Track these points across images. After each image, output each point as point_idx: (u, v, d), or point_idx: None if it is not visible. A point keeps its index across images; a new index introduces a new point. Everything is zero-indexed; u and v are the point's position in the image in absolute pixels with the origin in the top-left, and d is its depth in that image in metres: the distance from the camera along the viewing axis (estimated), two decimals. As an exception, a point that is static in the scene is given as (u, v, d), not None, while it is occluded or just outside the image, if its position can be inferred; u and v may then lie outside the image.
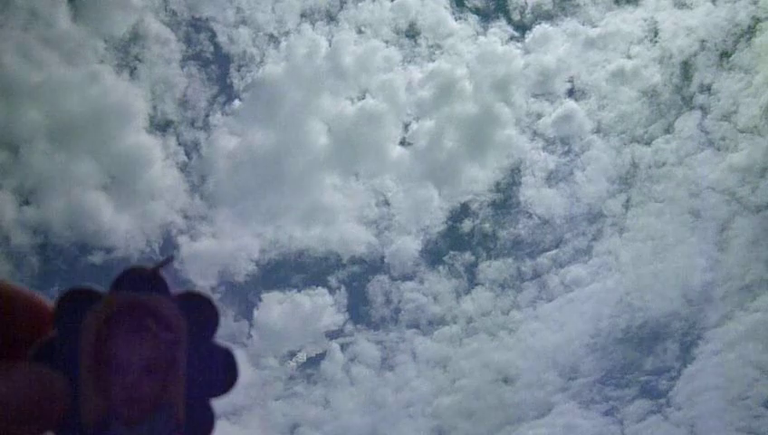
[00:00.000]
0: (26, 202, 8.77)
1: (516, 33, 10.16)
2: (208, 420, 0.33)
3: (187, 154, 9.50)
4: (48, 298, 0.33)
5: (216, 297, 0.34)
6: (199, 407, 0.33)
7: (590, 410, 8.68)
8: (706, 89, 9.45)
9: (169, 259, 0.34)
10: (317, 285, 9.33)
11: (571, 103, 9.93)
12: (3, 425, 0.28)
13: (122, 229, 8.98)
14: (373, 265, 9.48)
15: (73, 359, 0.32)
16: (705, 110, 9.43)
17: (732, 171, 9.17)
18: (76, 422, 0.32)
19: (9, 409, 0.28)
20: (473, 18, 10.11)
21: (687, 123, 9.47)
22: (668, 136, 9.53)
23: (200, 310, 0.33)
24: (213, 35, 9.69)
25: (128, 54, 9.40)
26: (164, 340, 0.33)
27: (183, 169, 9.44)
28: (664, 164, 9.49)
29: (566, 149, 9.82)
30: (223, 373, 0.33)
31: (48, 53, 8.93)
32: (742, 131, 9.25)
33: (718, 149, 9.34)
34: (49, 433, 0.31)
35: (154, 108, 9.42)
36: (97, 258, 8.80)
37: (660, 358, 8.82)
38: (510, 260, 9.44)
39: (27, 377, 0.30)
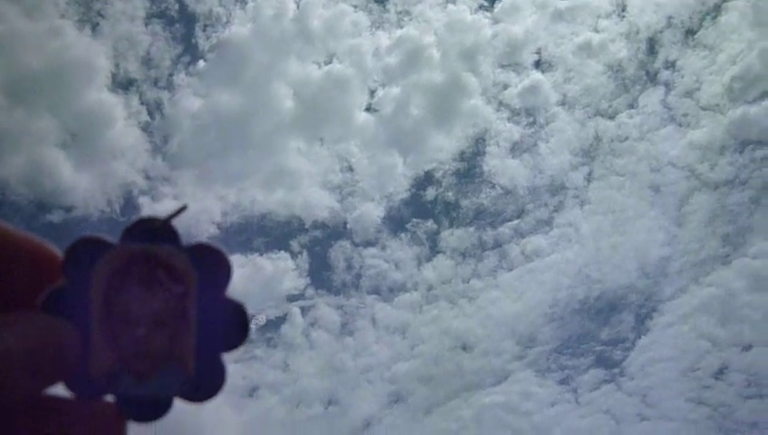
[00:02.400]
0: (-18, 158, 8.58)
1: (485, 3, 10.19)
2: (219, 373, 0.33)
3: (150, 114, 9.40)
4: (57, 247, 0.32)
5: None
6: (210, 361, 0.33)
7: (545, 379, 8.84)
8: (671, 65, 9.58)
9: (182, 209, 0.33)
10: (279, 249, 9.34)
11: (537, 75, 10.01)
12: (12, 376, 0.28)
13: (82, 188, 8.86)
14: (336, 231, 9.50)
15: (83, 310, 0.31)
16: (668, 86, 9.57)
17: (692, 148, 9.32)
18: (86, 374, 0.31)
19: (18, 359, 0.28)
20: (443, -15, 10.06)
21: (651, 99, 9.60)
22: (632, 111, 9.66)
23: (212, 263, 0.33)
24: (179, -7, 9.52)
25: (90, 9, 9.24)
26: (175, 292, 0.32)
27: (145, 128, 9.34)
28: (627, 138, 9.61)
29: (531, 120, 9.91)
30: (234, 327, 0.33)
31: (7, 5, 8.70)
32: (704, 109, 9.40)
33: (680, 126, 9.49)
34: (59, 385, 0.31)
35: (116, 65, 9.28)
36: (56, 217, 8.70)
37: (616, 329, 9.00)
38: (472, 229, 9.53)
39: (36, 327, 0.29)
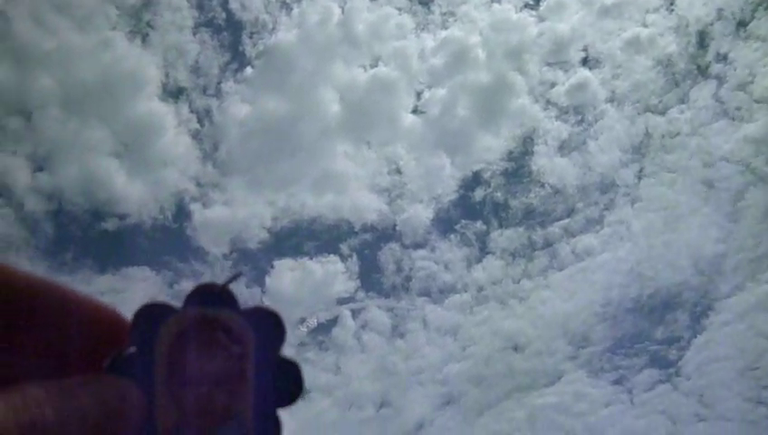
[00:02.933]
0: (40, 169, 8.83)
1: (530, 1, 10.08)
2: (275, 428, 0.34)
3: (200, 121, 9.52)
4: (125, 313, 0.34)
5: (281, 313, 0.35)
6: (266, 417, 0.34)
7: (599, 379, 8.73)
8: (723, 58, 9.36)
9: (238, 275, 0.35)
10: (329, 253, 9.38)
11: (584, 72, 9.87)
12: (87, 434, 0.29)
13: (135, 196, 9.03)
14: (385, 233, 9.52)
15: (148, 371, 0.33)
16: (720, 79, 9.34)
17: (747, 142, 9.10)
18: (152, 432, 0.33)
19: (88, 420, 0.29)
20: (487, -15, 10.00)
21: (702, 93, 9.39)
22: (683, 106, 9.46)
23: (267, 324, 0.35)
24: (225, 2, 9.66)
25: (140, 21, 9.39)
26: (234, 353, 0.34)
27: (195, 136, 9.47)
28: (678, 134, 9.43)
29: (579, 118, 9.78)
30: (289, 385, 0.34)
31: (61, 19, 8.92)
32: (758, 102, 9.17)
33: (733, 120, 9.27)
34: None
35: (166, 75, 9.42)
36: (110, 225, 8.87)
37: (670, 328, 8.84)
38: (521, 229, 9.45)
39: (106, 389, 0.30)
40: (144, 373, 0.33)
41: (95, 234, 8.83)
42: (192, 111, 9.49)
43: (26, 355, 0.33)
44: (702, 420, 8.27)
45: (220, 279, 0.35)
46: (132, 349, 0.33)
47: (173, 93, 9.46)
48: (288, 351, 0.35)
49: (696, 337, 8.70)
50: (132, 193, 9.04)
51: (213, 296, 0.34)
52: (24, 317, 0.32)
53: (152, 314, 0.34)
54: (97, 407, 0.29)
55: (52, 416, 0.27)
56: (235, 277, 0.35)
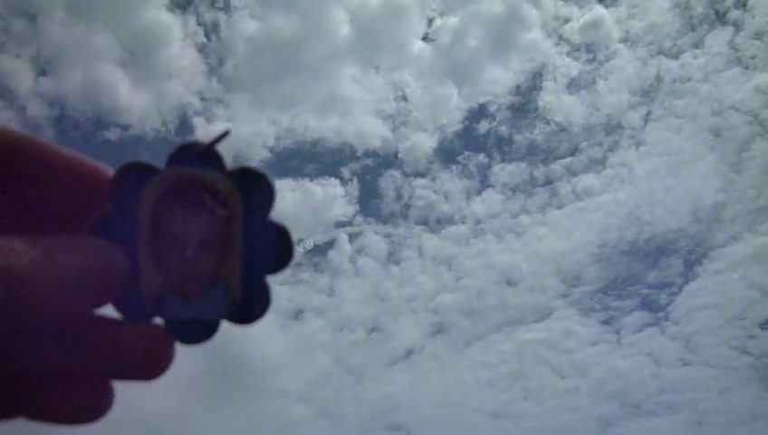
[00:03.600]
0: (43, 73, 8.74)
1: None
2: (264, 296, 0.34)
3: (207, 35, 9.37)
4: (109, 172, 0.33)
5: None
6: (255, 283, 0.33)
7: (588, 318, 8.84)
8: (742, 4, 9.16)
9: (225, 134, 0.33)
10: (330, 176, 9.38)
11: (600, 9, 9.68)
12: (63, 296, 0.28)
13: (138, 107, 8.96)
14: (387, 160, 9.49)
15: (131, 233, 0.32)
16: (738, 26, 9.17)
17: (758, 92, 9.00)
18: (134, 296, 0.32)
19: (70, 280, 0.28)
20: None
21: (718, 39, 9.23)
22: (697, 51, 9.31)
23: (256, 187, 0.33)
24: None
25: (151, -74, 9.14)
26: (220, 216, 0.33)
27: (201, 49, 9.34)
28: (689, 79, 9.31)
29: (591, 56, 9.64)
30: (278, 250, 0.33)
31: None
32: (773, 51, 9.02)
33: (747, 68, 9.14)
34: (108, 306, 0.32)
35: (175, -16, 9.22)
36: (113, 135, 8.83)
37: (663, 273, 8.91)
38: (523, 165, 9.43)
39: (87, 249, 0.30)
40: (127, 235, 0.32)
41: (97, 142, 8.79)
42: (199, 24, 9.34)
43: (6, 212, 0.33)
44: (686, 364, 8.42)
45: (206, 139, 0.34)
46: (114, 210, 0.32)
47: (181, 4, 9.29)
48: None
49: (687, 284, 8.80)
50: (136, 103, 8.97)
51: (198, 156, 0.33)
52: (5, 173, 0.31)
53: (134, 174, 0.32)
54: (77, 266, 0.29)
55: (29, 269, 0.27)
56: (222, 136, 0.33)
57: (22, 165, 0.32)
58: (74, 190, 0.33)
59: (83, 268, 0.29)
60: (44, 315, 0.28)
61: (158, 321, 0.33)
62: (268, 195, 0.34)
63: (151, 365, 0.32)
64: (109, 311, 0.32)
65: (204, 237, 0.33)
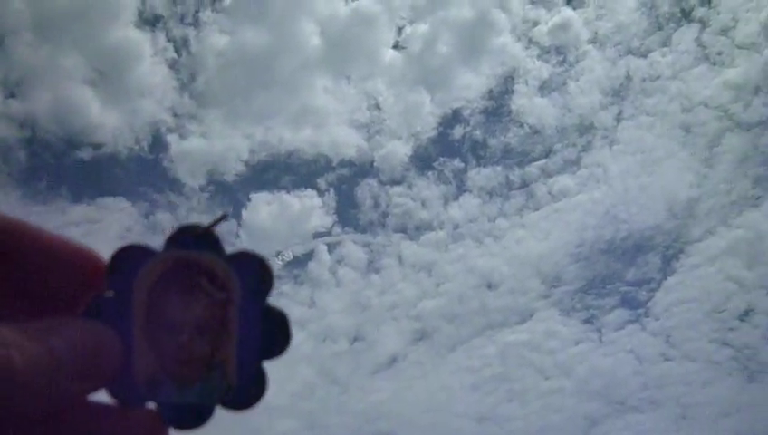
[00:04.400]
0: (12, 95, 8.63)
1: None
2: (260, 381, 0.33)
3: (177, 51, 9.31)
4: (102, 255, 0.32)
5: (269, 259, 0.33)
6: (251, 369, 0.33)
7: (570, 318, 8.89)
8: (707, 2, 9.29)
9: (223, 217, 0.33)
10: (306, 187, 9.34)
11: (568, 11, 9.75)
12: (57, 380, 0.27)
13: (110, 126, 8.87)
14: (362, 169, 9.48)
15: (126, 317, 0.32)
16: (704, 23, 9.29)
17: (726, 88, 9.12)
18: (129, 380, 0.31)
19: (64, 364, 0.28)
20: None
21: (685, 37, 9.34)
22: (665, 49, 9.42)
23: (254, 270, 0.33)
24: (204, -73, 9.37)
25: (115, -56, 9.09)
26: (217, 300, 0.32)
27: (172, 66, 9.28)
28: (658, 77, 9.41)
29: (561, 58, 9.70)
30: (274, 335, 0.33)
31: (33, -60, 8.62)
32: (739, 47, 9.15)
33: (714, 64, 9.26)
34: (102, 391, 0.31)
35: (142, 2, 9.18)
36: (85, 154, 8.73)
37: (642, 270, 8.98)
38: (499, 168, 9.45)
39: (82, 333, 0.29)
40: (122, 319, 0.31)
41: (70, 163, 8.70)
42: (169, 40, 9.28)
43: None
44: (668, 359, 8.48)
45: (202, 218, 0.34)
46: (110, 293, 0.32)
47: (149, 21, 9.22)
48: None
49: (666, 279, 8.87)
50: (107, 122, 8.89)
51: (195, 239, 0.33)
52: None
53: (130, 256, 0.32)
54: (71, 351, 0.28)
55: (20, 359, 0.26)
56: (220, 219, 0.33)
57: (8, 249, 0.31)
58: (65, 275, 0.32)
59: (76, 351, 0.28)
60: (36, 402, 0.27)
61: (152, 406, 0.32)
62: (266, 278, 0.33)
63: None
64: (102, 396, 0.31)
65: (200, 321, 0.32)
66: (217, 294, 0.32)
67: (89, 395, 0.31)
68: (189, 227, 0.33)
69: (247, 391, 0.33)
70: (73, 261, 0.32)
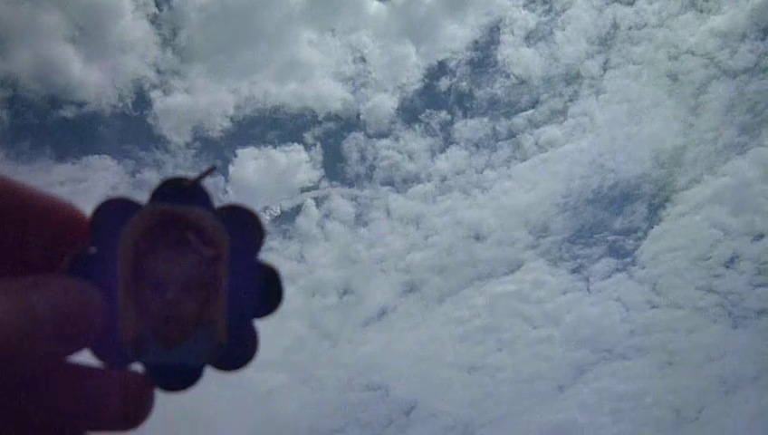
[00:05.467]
0: (-8, 54, 8.50)
1: None
2: (251, 341, 0.32)
3: (158, 5, 9.16)
4: (84, 209, 0.31)
5: (259, 212, 0.32)
6: (241, 328, 0.32)
7: (558, 268, 8.95)
8: (693, -53, 9.20)
9: (212, 169, 0.32)
10: (292, 142, 9.29)
11: (554, -41, 9.63)
12: (37, 339, 0.26)
13: (93, 83, 8.76)
14: (349, 122, 9.42)
15: (110, 274, 0.30)
16: (690, -31, 9.21)
17: (712, 35, 9.08)
18: (113, 341, 0.30)
19: (43, 323, 0.27)
20: None
21: (671, -17, 9.27)
22: (652, -4, 9.35)
23: (244, 225, 0.32)
24: None
25: None
26: (205, 256, 0.31)
27: (153, 21, 9.13)
28: (645, 25, 9.35)
29: (547, 7, 9.60)
30: (266, 293, 0.32)
31: None
32: (726, -7, 9.09)
33: (701, 12, 9.20)
34: (84, 352, 0.30)
35: (121, -46, 9.01)
36: (69, 112, 8.63)
37: (628, 218, 9.02)
38: (485, 120, 9.42)
39: (62, 291, 0.28)
40: (105, 276, 0.30)
41: (53, 122, 8.60)
42: (150, -6, 9.14)
43: None
44: (654, 307, 8.57)
45: (189, 175, 0.31)
46: (92, 249, 0.31)
47: (129, -25, 9.07)
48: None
49: (652, 228, 8.92)
50: (90, 80, 8.78)
51: (183, 192, 0.31)
52: None
53: (114, 210, 0.31)
54: (51, 309, 0.27)
55: None
56: (208, 171, 0.32)
57: None
58: (46, 229, 0.30)
59: (57, 310, 0.27)
60: (12, 364, 0.26)
61: (138, 367, 0.31)
62: (257, 233, 0.32)
63: (130, 415, 0.31)
64: (85, 357, 0.30)
65: (187, 279, 0.31)
66: (206, 249, 0.31)
67: (70, 356, 0.29)
68: (176, 179, 0.31)
69: (238, 351, 0.32)
70: (53, 216, 0.30)
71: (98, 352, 0.30)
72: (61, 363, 0.29)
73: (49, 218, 0.30)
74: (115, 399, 0.30)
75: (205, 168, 0.32)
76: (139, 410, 0.31)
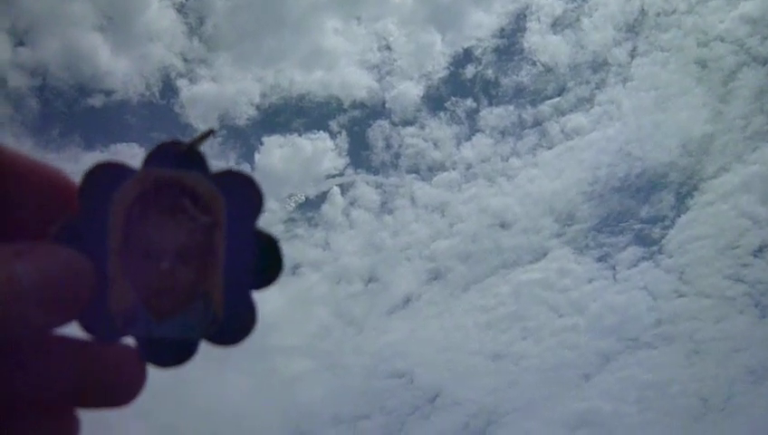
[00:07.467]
0: (21, 43, 8.59)
1: None
2: (249, 313, 0.30)
3: (184, -6, 9.22)
4: (73, 176, 0.30)
5: (254, 177, 0.30)
6: (239, 299, 0.30)
7: (583, 256, 8.89)
8: (723, -68, 9.06)
9: (209, 133, 0.30)
10: (318, 130, 9.30)
11: (581, -55, 9.54)
12: (23, 308, 0.25)
13: (120, 72, 8.84)
14: (374, 110, 9.41)
15: (100, 241, 0.29)
16: (720, -46, 9.08)
17: (743, 21, 8.94)
18: (103, 311, 0.29)
19: (30, 292, 0.25)
20: None
21: (701, -31, 9.14)
22: (681, -18, 9.22)
23: (241, 191, 0.30)
24: None
25: None
26: (201, 223, 0.30)
27: (180, 9, 9.18)
28: (674, 12, 9.22)
29: (574, -7, 9.53)
30: (265, 262, 0.30)
31: None
32: (756, -22, 8.95)
33: (731, -3, 9.08)
34: (73, 324, 0.28)
35: (149, -56, 9.06)
36: (96, 101, 8.72)
37: (655, 207, 8.94)
38: (511, 107, 9.36)
39: (49, 258, 0.27)
40: (95, 244, 0.29)
41: (81, 110, 8.70)
42: (176, -17, 9.19)
43: None
44: (681, 296, 8.50)
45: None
46: (82, 216, 0.29)
47: (156, -37, 9.13)
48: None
49: (680, 216, 8.83)
50: (117, 68, 8.85)
51: (178, 156, 0.30)
52: None
53: (105, 175, 0.29)
54: (38, 278, 0.26)
55: None
56: (205, 136, 0.30)
57: None
58: (33, 196, 0.29)
59: (44, 278, 0.26)
60: None
61: (129, 340, 0.30)
62: (255, 200, 0.30)
63: (120, 391, 0.29)
64: (73, 329, 0.29)
65: (182, 247, 0.29)
66: (202, 217, 0.30)
67: (58, 328, 0.28)
68: (171, 143, 0.30)
69: (236, 324, 0.30)
70: (41, 182, 0.29)
71: (87, 325, 0.29)
72: (47, 336, 0.28)
73: (36, 185, 0.29)
74: (105, 374, 0.29)
75: (202, 131, 0.30)
76: (130, 387, 0.29)
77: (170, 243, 0.29)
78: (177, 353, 0.30)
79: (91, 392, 0.29)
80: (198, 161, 0.30)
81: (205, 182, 0.30)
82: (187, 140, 0.30)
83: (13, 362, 0.27)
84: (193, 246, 0.29)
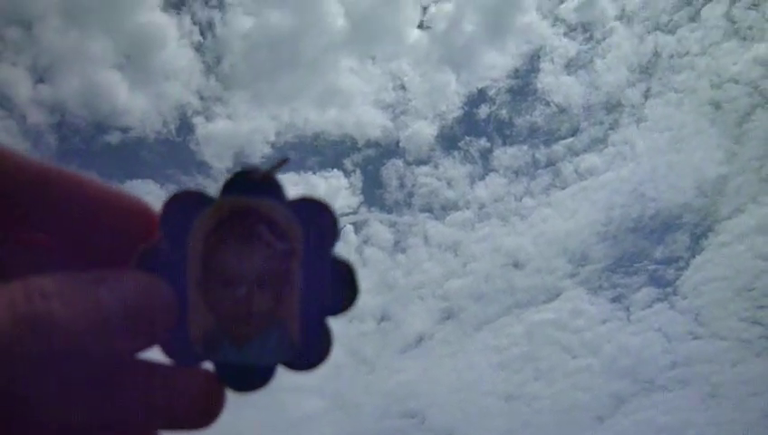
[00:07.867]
0: (41, 80, 8.74)
1: None
2: (325, 339, 0.31)
3: (202, 34, 9.37)
4: (154, 205, 0.31)
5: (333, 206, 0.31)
6: (315, 325, 0.30)
7: (597, 297, 8.85)
8: (736, -24, 9.13)
9: (284, 161, 0.31)
10: (332, 168, 9.37)
11: (594, -12, 9.63)
12: (105, 336, 0.26)
13: (138, 109, 8.97)
14: (388, 149, 9.48)
15: (180, 268, 0.30)
16: (733, -3, 9.13)
17: (756, 63, 8.97)
18: (183, 337, 0.29)
19: (112, 318, 0.26)
20: None
21: (714, 12, 9.20)
22: (693, 24, 9.28)
23: (317, 218, 0.30)
24: None
25: (141, -72, 9.14)
26: (278, 250, 0.30)
27: (198, 48, 9.33)
28: (687, 54, 9.28)
29: (587, 35, 9.60)
30: (341, 289, 0.31)
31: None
32: (770, 21, 8.99)
33: (744, 39, 9.11)
34: (154, 348, 0.29)
35: (168, -16, 9.23)
36: (114, 138, 8.85)
37: (670, 248, 8.90)
38: (525, 147, 9.42)
39: (132, 285, 0.27)
40: (175, 271, 0.29)
41: (98, 147, 8.83)
42: (194, 23, 9.33)
43: (42, 250, 0.30)
44: (696, 338, 8.42)
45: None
46: (162, 243, 0.30)
47: (175, 4, 9.29)
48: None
49: (694, 257, 8.79)
50: (135, 106, 8.98)
51: (255, 184, 0.30)
52: (36, 208, 0.29)
53: (185, 204, 0.30)
54: (120, 304, 0.26)
55: (61, 311, 0.25)
56: (281, 163, 0.31)
57: (54, 198, 0.29)
58: (115, 225, 0.30)
59: (126, 305, 0.27)
60: (80, 360, 0.25)
61: (209, 365, 0.30)
62: (331, 227, 0.31)
63: (200, 415, 0.30)
64: (154, 354, 0.30)
65: (260, 274, 0.30)
66: (279, 243, 0.30)
67: (140, 352, 0.29)
68: (248, 171, 0.30)
69: (312, 350, 0.31)
70: (124, 210, 0.30)
71: (168, 349, 0.30)
72: (130, 360, 0.29)
73: (118, 213, 0.30)
74: (185, 398, 0.29)
75: (277, 160, 0.31)
76: (209, 410, 0.30)
77: (248, 270, 0.30)
78: (254, 379, 0.30)
79: (172, 415, 0.29)
80: (274, 189, 0.30)
81: (281, 209, 0.30)
82: (262, 167, 0.30)
83: (91, 387, 0.27)
84: (270, 272, 0.30)
